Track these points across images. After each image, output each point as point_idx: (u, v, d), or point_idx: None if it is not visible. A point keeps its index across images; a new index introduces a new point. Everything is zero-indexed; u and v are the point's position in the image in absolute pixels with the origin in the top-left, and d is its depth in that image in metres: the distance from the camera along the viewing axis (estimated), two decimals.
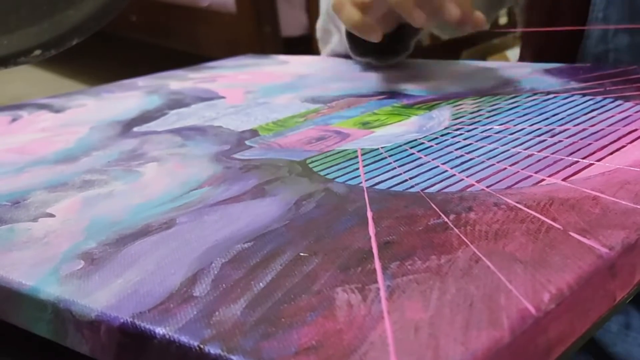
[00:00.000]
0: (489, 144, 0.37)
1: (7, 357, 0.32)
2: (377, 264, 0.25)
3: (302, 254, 0.26)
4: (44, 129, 0.52)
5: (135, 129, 0.49)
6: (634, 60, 0.55)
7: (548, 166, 0.33)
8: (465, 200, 0.30)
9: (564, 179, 0.31)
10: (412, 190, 0.31)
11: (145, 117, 0.52)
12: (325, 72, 0.62)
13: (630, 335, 0.50)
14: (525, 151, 0.35)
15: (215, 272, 0.26)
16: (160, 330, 0.22)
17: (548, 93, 0.45)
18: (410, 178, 0.33)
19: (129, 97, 0.60)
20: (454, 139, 0.38)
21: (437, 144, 0.38)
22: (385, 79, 0.56)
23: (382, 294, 0.23)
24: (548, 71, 0.51)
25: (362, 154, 0.37)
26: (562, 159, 0.33)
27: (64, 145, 0.46)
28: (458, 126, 0.40)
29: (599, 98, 0.43)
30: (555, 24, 0.59)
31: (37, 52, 0.31)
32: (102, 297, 0.25)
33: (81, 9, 0.30)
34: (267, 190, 0.33)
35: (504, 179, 0.32)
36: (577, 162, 0.33)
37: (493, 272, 0.23)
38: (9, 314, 0.28)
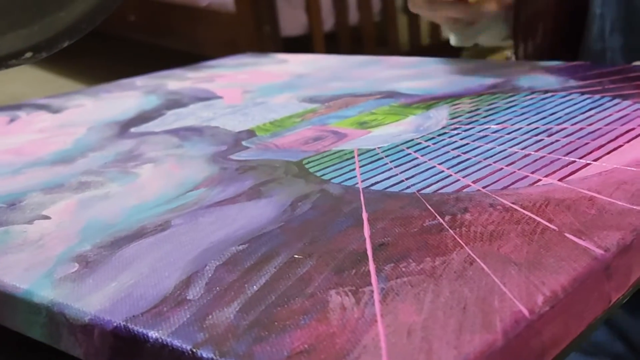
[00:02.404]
0: (486, 143, 0.36)
1: (6, 357, 0.32)
2: (372, 266, 0.25)
3: (296, 256, 0.26)
4: (41, 130, 0.52)
5: (133, 130, 0.49)
6: (626, 62, 0.55)
7: (545, 166, 0.32)
8: (461, 201, 0.29)
9: (560, 179, 0.31)
10: (408, 191, 0.31)
11: (143, 118, 0.52)
12: (323, 71, 0.62)
13: None
14: (522, 151, 0.35)
15: (210, 275, 0.25)
16: (153, 334, 0.22)
17: (546, 92, 0.45)
18: (407, 179, 0.33)
19: (127, 97, 0.60)
20: (451, 138, 0.38)
21: (434, 144, 0.37)
22: (383, 78, 0.56)
23: (376, 296, 0.22)
24: (546, 69, 0.51)
25: (359, 155, 0.37)
26: (558, 159, 0.33)
27: (61, 146, 0.46)
28: (455, 126, 0.40)
29: (597, 97, 0.42)
30: (549, 20, 0.58)
31: (28, 54, 0.31)
32: (96, 300, 0.25)
33: (72, 11, 0.30)
34: (262, 192, 0.33)
35: (500, 179, 0.31)
36: (573, 162, 0.33)
37: (487, 274, 0.23)
38: (3, 317, 0.28)
